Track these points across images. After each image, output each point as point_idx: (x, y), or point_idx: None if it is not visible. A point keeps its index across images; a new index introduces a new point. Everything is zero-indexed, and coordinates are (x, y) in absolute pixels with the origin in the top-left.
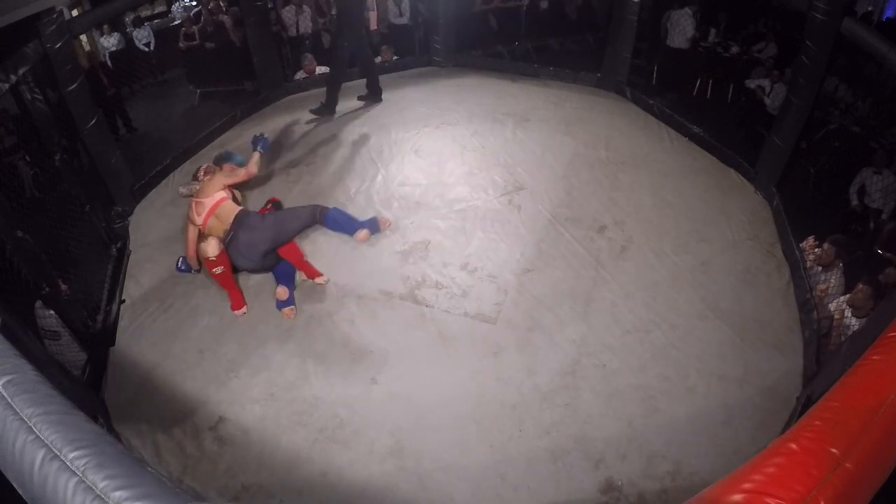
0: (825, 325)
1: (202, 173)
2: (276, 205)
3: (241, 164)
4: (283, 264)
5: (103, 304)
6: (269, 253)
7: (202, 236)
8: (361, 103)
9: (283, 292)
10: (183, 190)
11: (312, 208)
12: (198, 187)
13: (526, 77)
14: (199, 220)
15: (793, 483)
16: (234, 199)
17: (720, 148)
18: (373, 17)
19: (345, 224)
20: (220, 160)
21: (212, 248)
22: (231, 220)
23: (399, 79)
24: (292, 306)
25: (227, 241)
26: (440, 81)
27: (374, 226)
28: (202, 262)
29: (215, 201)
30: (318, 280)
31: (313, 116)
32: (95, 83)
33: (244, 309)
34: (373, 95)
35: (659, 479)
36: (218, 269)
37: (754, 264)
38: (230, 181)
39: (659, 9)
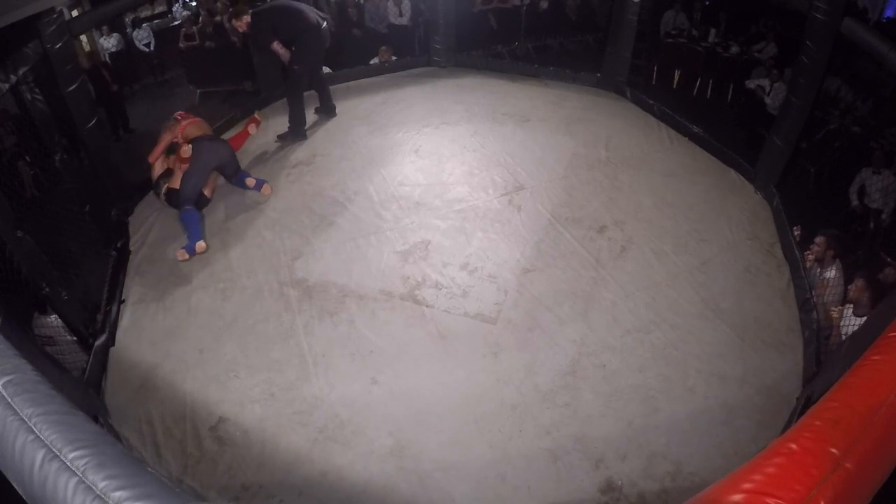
0: (825, 325)
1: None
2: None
3: None
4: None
5: (103, 304)
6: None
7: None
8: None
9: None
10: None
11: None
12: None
13: (526, 77)
14: (183, 122)
15: (793, 483)
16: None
17: (720, 148)
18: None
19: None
20: None
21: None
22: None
23: (399, 79)
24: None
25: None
26: (440, 81)
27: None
28: (176, 155)
29: (196, 119)
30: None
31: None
32: (98, 81)
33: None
34: (327, 111)
35: (659, 479)
36: (187, 152)
37: (754, 264)
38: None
39: (659, 9)
